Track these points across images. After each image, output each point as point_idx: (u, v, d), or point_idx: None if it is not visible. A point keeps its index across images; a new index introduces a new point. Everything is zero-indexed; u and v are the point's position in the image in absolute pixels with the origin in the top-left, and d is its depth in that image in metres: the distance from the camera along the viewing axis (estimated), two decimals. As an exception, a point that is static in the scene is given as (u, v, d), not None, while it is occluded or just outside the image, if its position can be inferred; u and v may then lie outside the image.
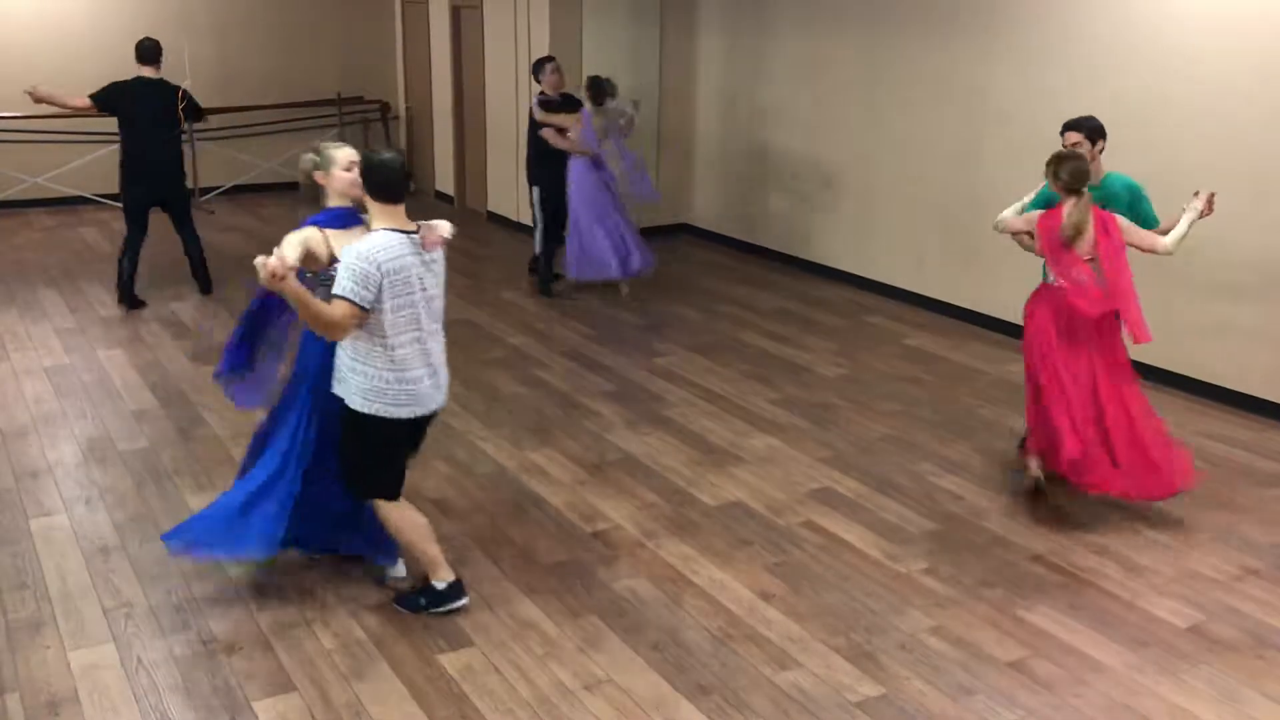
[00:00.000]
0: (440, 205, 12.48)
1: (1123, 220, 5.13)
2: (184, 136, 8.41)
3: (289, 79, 12.75)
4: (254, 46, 12.61)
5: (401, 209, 4.09)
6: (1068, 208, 5.10)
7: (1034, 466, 5.32)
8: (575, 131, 8.44)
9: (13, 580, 4.57)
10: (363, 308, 3.91)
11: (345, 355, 4.10)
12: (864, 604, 4.49)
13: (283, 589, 4.53)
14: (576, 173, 8.60)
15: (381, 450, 4.20)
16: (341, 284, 3.90)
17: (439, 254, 4.16)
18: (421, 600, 4.36)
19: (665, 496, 5.43)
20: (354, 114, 13.26)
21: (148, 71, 8.24)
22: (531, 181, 9.02)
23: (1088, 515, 5.28)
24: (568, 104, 8.67)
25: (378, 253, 3.92)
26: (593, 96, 8.52)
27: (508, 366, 7.25)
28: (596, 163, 8.64)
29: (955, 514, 5.29)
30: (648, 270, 8.83)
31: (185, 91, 8.31)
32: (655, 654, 4.13)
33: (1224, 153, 6.54)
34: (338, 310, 3.89)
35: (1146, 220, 5.39)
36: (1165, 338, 6.99)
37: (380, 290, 3.92)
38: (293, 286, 3.81)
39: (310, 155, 4.35)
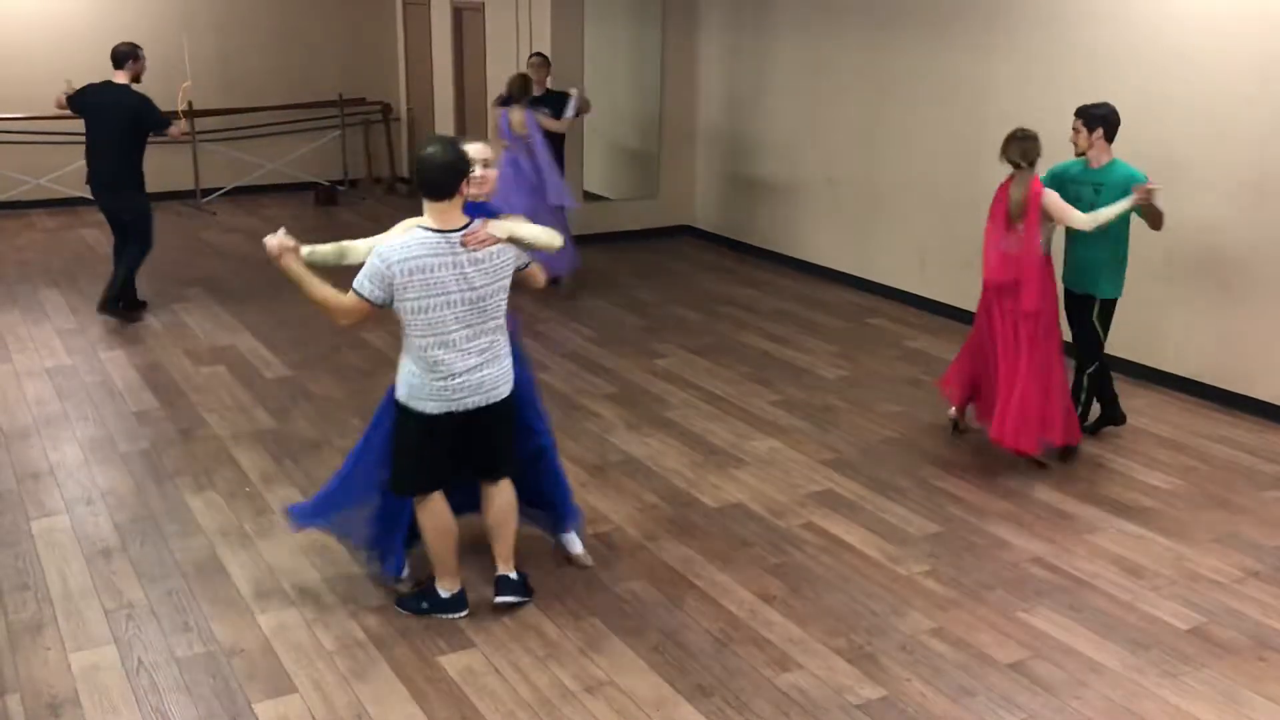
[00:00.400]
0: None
1: (1048, 194, 5.63)
2: (144, 147, 7.98)
3: (291, 80, 12.77)
4: (256, 47, 12.63)
5: (448, 205, 4.02)
6: (1013, 183, 5.73)
7: (953, 411, 6.19)
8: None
9: (14, 581, 4.58)
10: (373, 303, 3.97)
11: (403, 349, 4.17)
12: (865, 605, 4.49)
13: (283, 590, 4.53)
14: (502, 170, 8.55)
15: (413, 441, 4.18)
16: (358, 277, 3.99)
17: (490, 252, 4.06)
18: (424, 604, 4.36)
19: (666, 498, 5.43)
20: (355, 115, 13.28)
21: (118, 76, 7.99)
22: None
23: (1089, 517, 5.28)
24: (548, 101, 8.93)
25: (395, 253, 3.95)
26: (512, 95, 8.55)
27: (509, 368, 7.25)
28: (517, 161, 8.50)
29: (956, 516, 5.29)
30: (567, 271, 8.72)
31: (146, 101, 7.94)
32: (656, 655, 4.13)
33: (1224, 153, 6.55)
34: (346, 301, 4.01)
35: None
36: (1165, 341, 7.02)
37: (393, 289, 3.95)
38: (291, 266, 3.99)
39: None
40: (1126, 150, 7.07)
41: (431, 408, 4.09)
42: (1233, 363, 6.68)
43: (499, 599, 4.38)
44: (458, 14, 12.00)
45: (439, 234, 3.99)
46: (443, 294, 3.98)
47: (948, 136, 8.25)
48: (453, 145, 4.05)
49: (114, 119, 7.84)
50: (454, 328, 4.02)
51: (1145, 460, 5.95)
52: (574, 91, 9.04)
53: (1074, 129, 5.89)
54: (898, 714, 3.83)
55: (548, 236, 4.26)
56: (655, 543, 4.98)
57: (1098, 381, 6.11)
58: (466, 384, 4.09)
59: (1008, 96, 7.78)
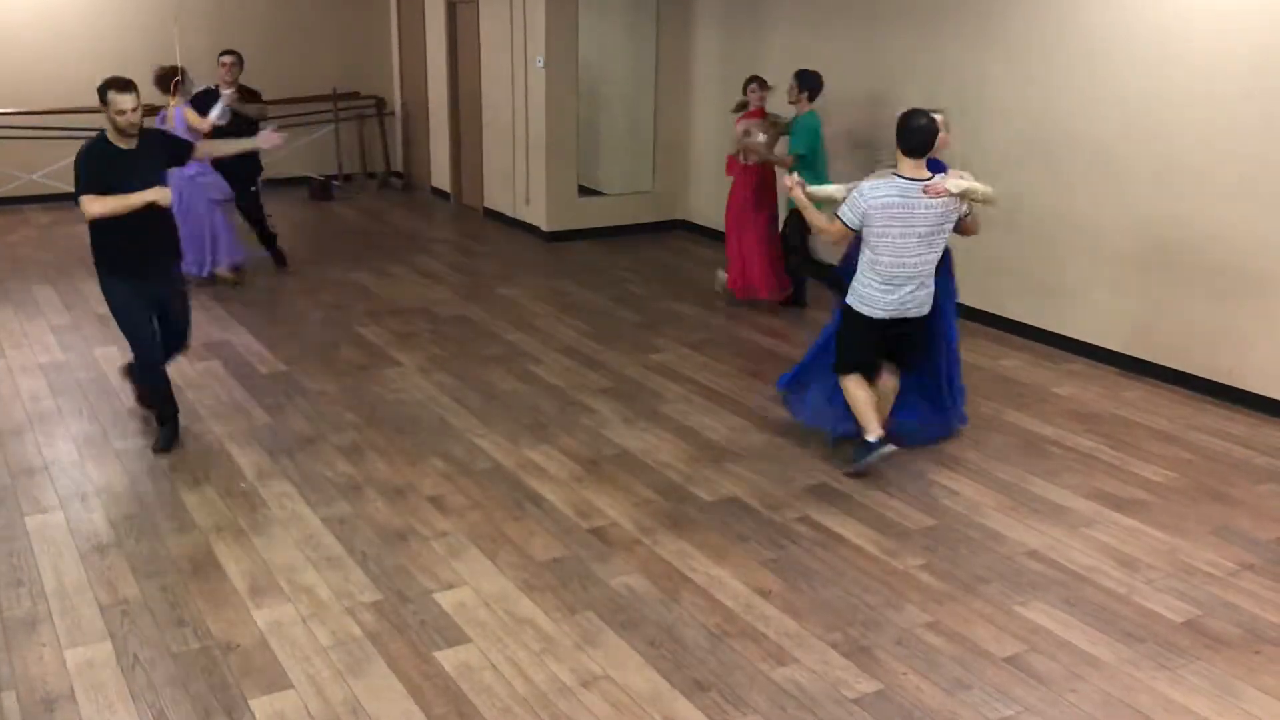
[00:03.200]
0: (436, 202, 12.46)
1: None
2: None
3: (285, 75, 12.72)
4: (249, 42, 12.51)
5: (919, 162, 5.23)
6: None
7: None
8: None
9: (8, 578, 4.57)
10: (849, 227, 5.33)
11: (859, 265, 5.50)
12: (861, 599, 4.49)
13: (279, 586, 4.53)
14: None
15: (853, 334, 5.53)
16: (842, 208, 5.37)
17: (941, 201, 5.19)
18: (865, 453, 5.53)
19: (662, 493, 5.43)
20: (349, 110, 13.25)
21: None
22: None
23: (1084, 510, 5.29)
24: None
25: (870, 191, 5.24)
26: (162, 89, 8.35)
27: (504, 363, 7.25)
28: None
29: (951, 509, 5.30)
30: (235, 261, 8.95)
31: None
32: (652, 650, 4.13)
33: (1219, 148, 6.55)
34: (834, 226, 5.43)
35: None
36: (1160, 334, 7.03)
37: (864, 218, 5.24)
38: (799, 196, 5.62)
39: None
40: (1123, 146, 7.10)
41: (867, 312, 5.40)
42: (1227, 356, 6.69)
43: (861, 462, 5.56)
44: (452, 8, 11.97)
45: (909, 181, 5.20)
46: (901, 226, 5.19)
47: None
48: (929, 116, 5.21)
49: None
50: (905, 255, 5.23)
51: (1140, 453, 5.96)
52: (226, 93, 8.71)
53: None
54: (893, 707, 3.83)
55: (993, 192, 5.36)
56: (651, 537, 4.98)
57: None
58: (903, 299, 5.34)
59: (1003, 91, 7.78)
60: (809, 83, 7.94)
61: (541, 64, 10.25)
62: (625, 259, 10.04)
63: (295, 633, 4.21)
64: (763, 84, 8.37)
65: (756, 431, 6.18)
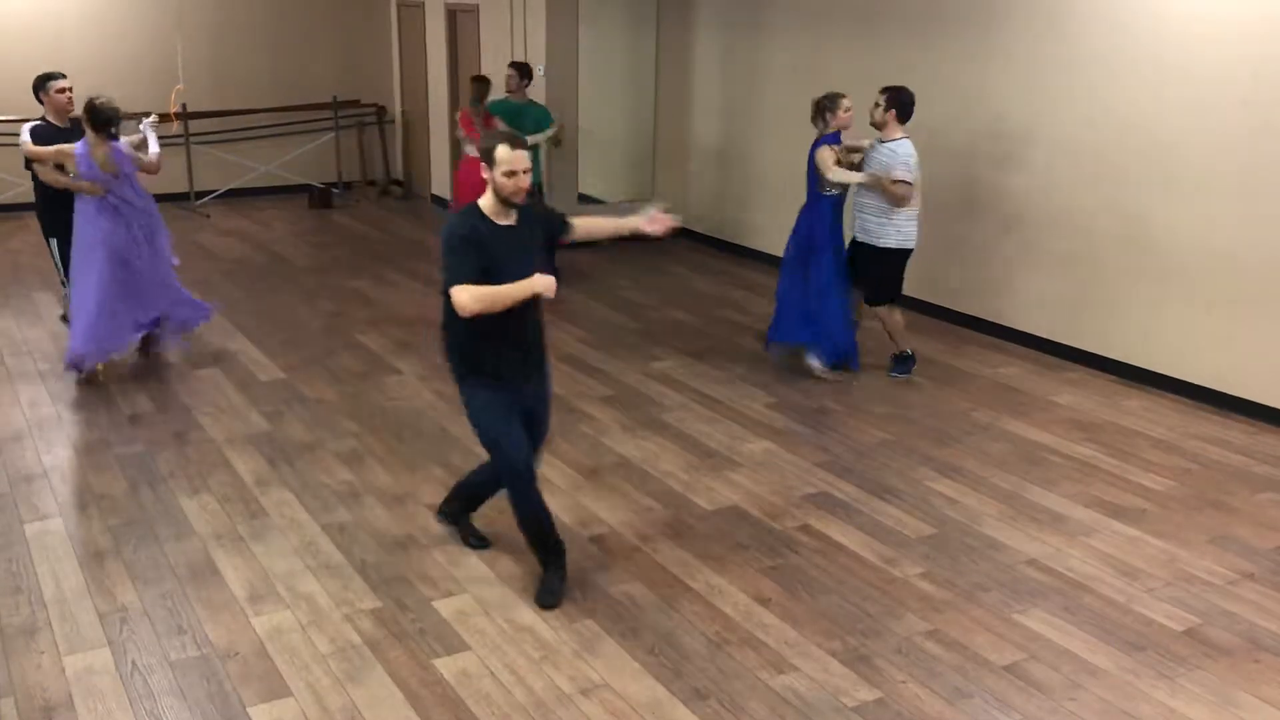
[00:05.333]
0: (436, 210, 12.47)
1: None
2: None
3: (285, 82, 12.76)
4: (250, 50, 12.61)
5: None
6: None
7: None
8: (72, 165, 6.80)
9: (7, 585, 4.56)
10: (909, 183, 6.65)
11: (888, 218, 6.86)
12: (860, 608, 4.49)
13: (278, 593, 4.52)
14: (82, 217, 6.86)
15: (900, 270, 7.02)
16: (899, 170, 6.66)
17: None
18: (904, 366, 7.14)
19: (662, 501, 5.43)
20: (350, 117, 13.27)
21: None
22: (47, 232, 7.52)
23: (1083, 519, 5.29)
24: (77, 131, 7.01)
25: (913, 152, 6.73)
26: (91, 123, 6.71)
27: (504, 370, 7.24)
28: (109, 204, 6.80)
29: (951, 518, 5.29)
30: (189, 328, 7.38)
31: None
32: (652, 658, 4.13)
33: (1217, 156, 6.56)
34: (902, 188, 6.69)
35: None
36: (1159, 341, 7.03)
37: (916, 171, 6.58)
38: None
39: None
40: (1121, 152, 7.11)
41: (910, 245, 6.99)
42: (1227, 365, 6.69)
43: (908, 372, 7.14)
44: (452, 16, 11.99)
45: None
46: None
47: (941, 138, 8.25)
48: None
49: None
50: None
51: (1139, 462, 5.96)
52: (143, 129, 7.17)
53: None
54: (893, 716, 3.83)
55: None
56: (650, 545, 4.98)
57: None
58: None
59: (1001, 99, 7.80)
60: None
61: (542, 71, 10.28)
62: (625, 267, 10.05)
63: (294, 640, 4.20)
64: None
65: (756, 440, 6.18)
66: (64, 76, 7.27)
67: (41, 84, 7.26)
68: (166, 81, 10.32)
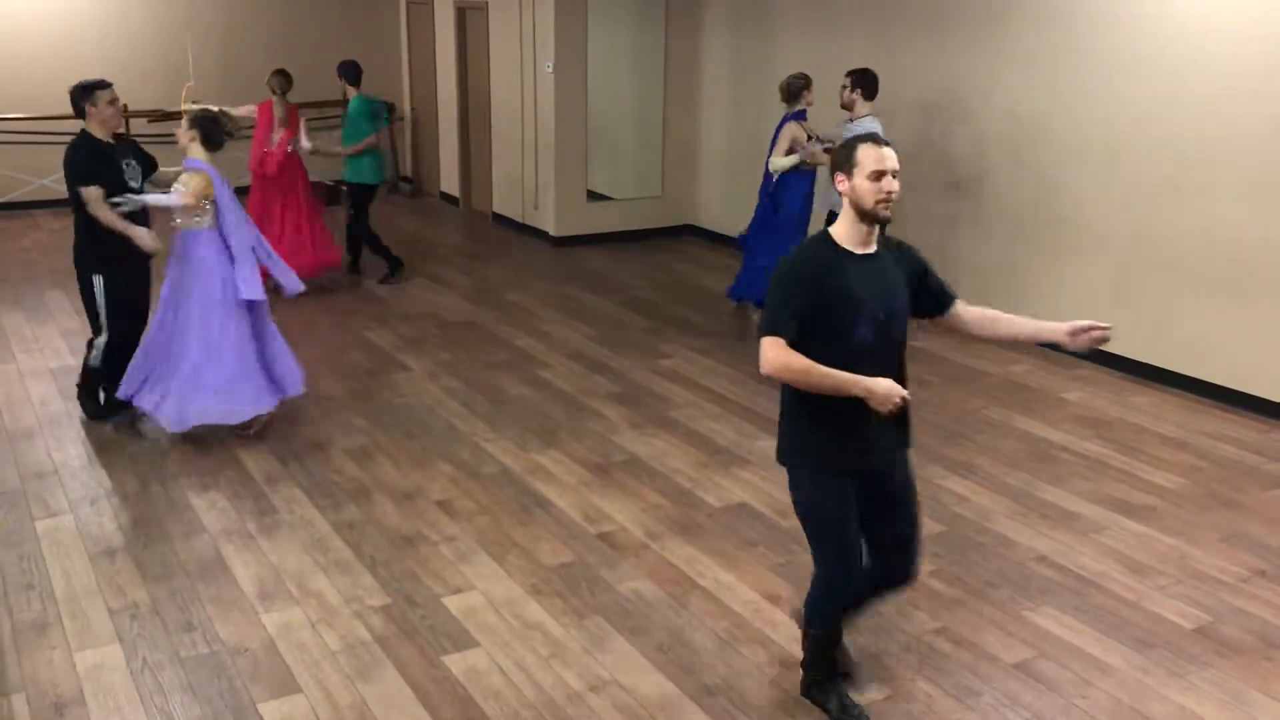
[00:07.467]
0: (445, 207, 12.47)
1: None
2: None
3: (294, 80, 12.74)
4: (259, 47, 12.62)
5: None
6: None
7: None
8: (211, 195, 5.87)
9: (19, 581, 4.58)
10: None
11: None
12: (869, 606, 4.47)
13: (288, 590, 4.53)
14: (189, 260, 5.91)
15: None
16: None
17: None
18: None
19: (671, 498, 5.43)
20: (359, 115, 13.25)
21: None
22: (90, 269, 6.06)
23: (1093, 516, 5.27)
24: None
25: (872, 129, 6.44)
26: (207, 140, 6.11)
27: (513, 368, 7.26)
28: (218, 237, 5.98)
29: (961, 515, 5.28)
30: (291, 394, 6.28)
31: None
32: (661, 655, 4.13)
33: (1228, 152, 6.53)
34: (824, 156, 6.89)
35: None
36: (1170, 338, 7.01)
37: None
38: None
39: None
40: (1133, 149, 7.08)
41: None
42: (1238, 361, 6.67)
43: None
44: (461, 14, 11.99)
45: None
46: None
47: (952, 135, 8.24)
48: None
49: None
50: None
51: (1149, 459, 5.94)
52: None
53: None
54: (903, 714, 3.82)
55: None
56: (659, 542, 4.98)
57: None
58: None
59: (1012, 96, 7.77)
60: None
61: (550, 69, 10.28)
62: (634, 264, 10.05)
63: (304, 637, 4.21)
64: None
65: (765, 437, 6.17)
66: (110, 86, 6.03)
67: (87, 94, 5.93)
68: (176, 79, 10.32)
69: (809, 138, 7.51)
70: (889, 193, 3.28)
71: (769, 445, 6.03)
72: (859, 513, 3.55)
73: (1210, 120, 6.61)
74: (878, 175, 3.28)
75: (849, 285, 3.30)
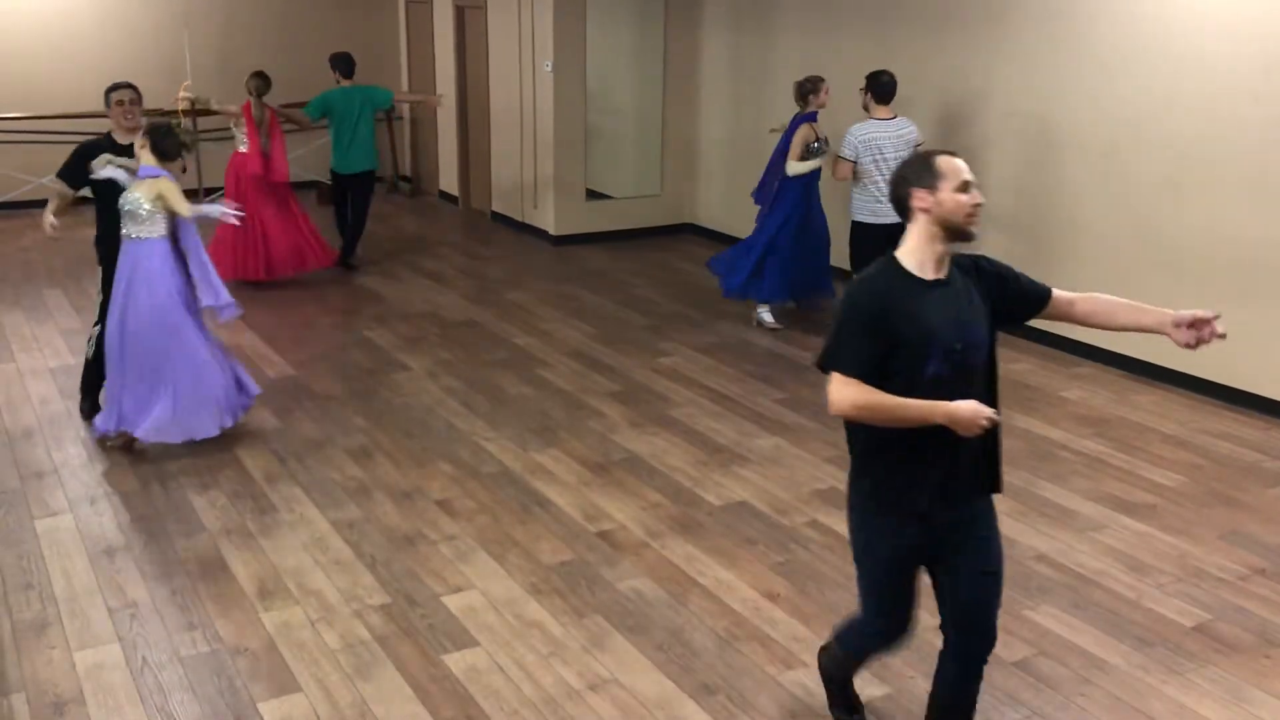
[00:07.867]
0: (444, 206, 12.47)
1: None
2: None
3: (292, 79, 12.72)
4: (256, 46, 12.61)
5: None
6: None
7: None
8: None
9: (18, 581, 4.58)
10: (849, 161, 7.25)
11: (852, 193, 7.30)
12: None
13: (287, 589, 4.53)
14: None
15: (857, 241, 7.32)
16: (846, 150, 7.21)
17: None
18: None
19: (670, 496, 5.43)
20: (358, 114, 13.25)
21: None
22: (98, 258, 6.29)
23: (1093, 514, 5.27)
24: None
25: (870, 133, 7.15)
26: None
27: (512, 367, 7.26)
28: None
29: (960, 513, 5.28)
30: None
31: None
32: (660, 654, 4.13)
33: (1228, 151, 6.53)
34: (843, 167, 7.27)
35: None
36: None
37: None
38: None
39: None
40: (1134, 148, 7.08)
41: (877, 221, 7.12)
42: (1238, 360, 6.66)
43: None
44: (460, 12, 11.99)
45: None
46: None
47: (953, 133, 8.24)
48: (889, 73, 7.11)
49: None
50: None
51: (1149, 457, 5.94)
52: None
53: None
54: (903, 712, 3.82)
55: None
56: (659, 541, 4.98)
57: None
58: None
59: (1013, 93, 7.77)
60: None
61: (549, 68, 10.28)
62: (633, 263, 10.05)
63: (304, 636, 4.21)
64: None
65: (765, 435, 6.17)
66: (123, 86, 6.07)
67: (106, 95, 6.10)
68: (176, 78, 10.32)
69: (817, 139, 7.57)
70: (977, 205, 2.99)
71: (769, 444, 6.05)
72: (929, 568, 3.30)
73: (1210, 120, 6.61)
74: (965, 186, 2.96)
75: (921, 317, 2.96)
